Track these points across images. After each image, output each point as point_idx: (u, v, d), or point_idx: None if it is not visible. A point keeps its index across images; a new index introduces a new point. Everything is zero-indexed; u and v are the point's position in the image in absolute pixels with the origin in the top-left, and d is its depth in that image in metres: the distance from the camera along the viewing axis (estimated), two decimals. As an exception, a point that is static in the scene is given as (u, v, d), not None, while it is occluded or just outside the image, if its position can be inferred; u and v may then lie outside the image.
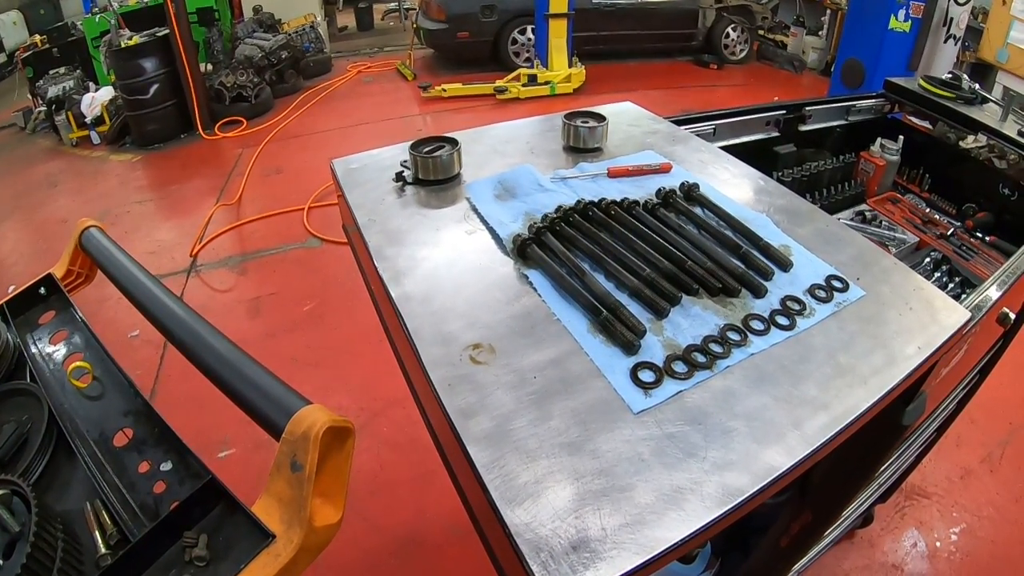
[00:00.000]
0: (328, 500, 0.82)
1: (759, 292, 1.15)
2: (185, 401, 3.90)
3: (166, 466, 0.96)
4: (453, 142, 1.54)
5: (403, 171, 1.50)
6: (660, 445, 0.89)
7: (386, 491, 3.01)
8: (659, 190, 1.37)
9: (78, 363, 1.10)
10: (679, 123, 1.96)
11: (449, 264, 1.25)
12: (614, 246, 1.20)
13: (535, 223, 1.27)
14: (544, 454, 0.88)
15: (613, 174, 1.46)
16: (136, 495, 0.93)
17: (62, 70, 8.31)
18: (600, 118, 1.64)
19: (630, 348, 1.02)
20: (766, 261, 1.21)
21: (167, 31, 7.00)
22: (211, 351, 0.98)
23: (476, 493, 0.88)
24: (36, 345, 1.20)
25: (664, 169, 1.48)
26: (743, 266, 1.19)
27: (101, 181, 7.10)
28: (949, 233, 2.17)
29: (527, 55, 8.26)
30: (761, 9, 8.97)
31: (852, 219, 2.23)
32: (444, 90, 7.82)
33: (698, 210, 1.33)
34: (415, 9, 9.09)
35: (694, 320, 1.09)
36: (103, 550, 0.86)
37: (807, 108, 2.29)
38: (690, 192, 1.37)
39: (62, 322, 1.24)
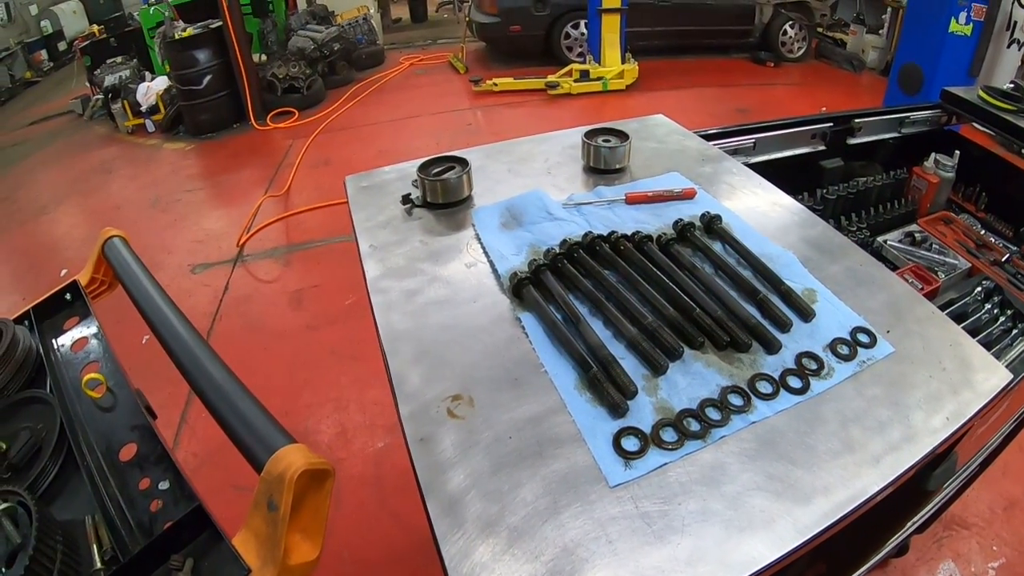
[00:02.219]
0: (306, 537, 0.82)
1: (772, 347, 1.05)
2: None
3: (164, 485, 0.96)
4: (463, 163, 1.46)
5: (411, 193, 1.43)
6: (632, 526, 0.81)
7: (415, 488, 2.97)
8: (677, 222, 1.27)
9: (93, 374, 1.11)
10: (720, 136, 1.86)
11: (443, 301, 1.18)
12: (617, 288, 1.12)
13: (536, 259, 1.19)
14: (506, 527, 0.81)
15: (631, 200, 1.37)
16: (134, 512, 0.93)
17: (119, 59, 8.48)
18: (623, 136, 1.54)
19: (617, 411, 0.94)
20: (785, 310, 1.10)
21: (220, 23, 7.06)
22: (208, 377, 0.98)
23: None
24: (59, 352, 1.22)
25: (687, 195, 1.38)
26: (758, 315, 1.09)
27: (154, 168, 7.21)
28: (1004, 260, 2.03)
29: (580, 50, 8.11)
30: (820, 6, 8.60)
31: (901, 240, 2.10)
32: (495, 84, 7.74)
33: (717, 245, 1.23)
34: (469, 1, 9.02)
35: (694, 379, 0.99)
36: (98, 565, 0.87)
37: (856, 120, 2.16)
38: (710, 224, 1.27)
39: (83, 329, 1.26)
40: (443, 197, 1.42)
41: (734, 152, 1.91)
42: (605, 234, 1.22)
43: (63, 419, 1.05)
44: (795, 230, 1.33)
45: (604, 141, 1.52)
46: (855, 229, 1.95)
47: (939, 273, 1.95)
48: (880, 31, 7.98)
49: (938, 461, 1.05)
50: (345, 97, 8.12)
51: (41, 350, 1.20)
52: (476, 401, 0.97)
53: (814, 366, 1.02)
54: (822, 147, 2.11)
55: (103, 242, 1.35)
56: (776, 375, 1.01)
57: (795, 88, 7.55)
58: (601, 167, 1.52)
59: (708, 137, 1.79)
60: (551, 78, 7.55)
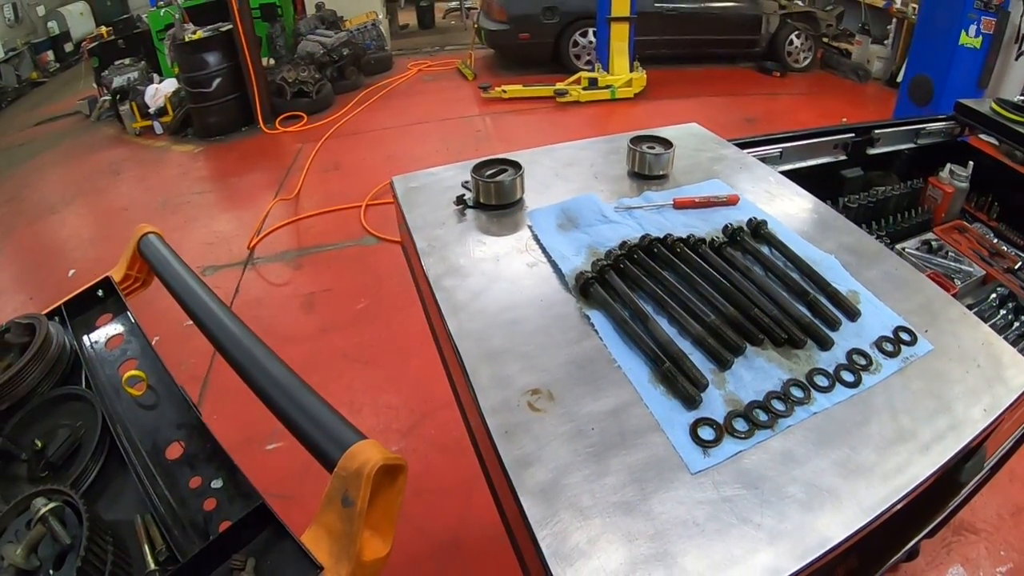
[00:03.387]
0: (377, 533, 0.82)
1: (825, 344, 1.13)
2: (236, 392, 3.97)
3: (217, 483, 0.96)
4: (516, 166, 1.54)
5: (464, 194, 1.51)
6: (715, 510, 0.88)
7: (430, 494, 3.02)
8: (727, 227, 1.35)
9: (133, 371, 1.11)
10: (746, 145, 1.93)
11: (509, 299, 1.25)
12: (679, 288, 1.19)
13: (599, 259, 1.26)
14: (598, 512, 0.87)
15: (679, 205, 1.45)
16: (186, 511, 0.93)
17: (127, 61, 8.52)
18: (667, 144, 1.62)
19: (691, 403, 1.01)
20: (834, 310, 1.18)
21: (230, 26, 7.13)
22: (266, 375, 1.00)
23: (527, 543, 0.88)
24: (92, 348, 1.22)
25: (731, 201, 1.46)
26: (810, 314, 1.17)
27: (162, 170, 7.24)
28: (1017, 267, 2.11)
29: (588, 58, 8.21)
30: (826, 16, 8.72)
31: (918, 248, 2.18)
32: (504, 91, 7.80)
33: (765, 249, 1.31)
34: (477, 8, 9.10)
35: (757, 373, 1.07)
36: (152, 566, 0.86)
37: (876, 131, 2.25)
38: (758, 229, 1.34)
39: (118, 326, 1.26)
40: (497, 199, 1.50)
41: (763, 160, 2.00)
42: (660, 236, 1.30)
43: (104, 416, 1.04)
44: (833, 235, 1.41)
45: (649, 148, 1.60)
46: (875, 237, 2.04)
47: (956, 280, 2.03)
48: (885, 41, 8.09)
49: (970, 454, 1.12)
50: (354, 102, 8.18)
51: (76, 347, 1.20)
52: (555, 395, 1.04)
53: (863, 362, 1.10)
54: (843, 157, 2.20)
55: (138, 238, 1.37)
56: (831, 370, 1.08)
57: (801, 98, 7.69)
58: (645, 173, 1.60)
59: (740, 146, 1.88)
60: (560, 86, 7.64)
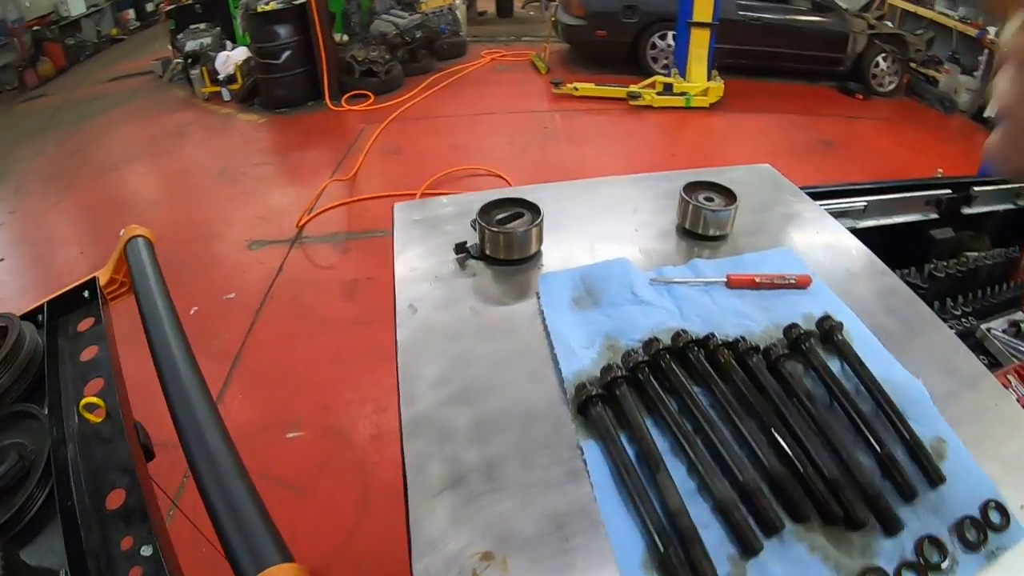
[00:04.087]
0: None
1: (892, 528, 0.77)
2: (266, 374, 3.81)
3: (147, 551, 0.81)
4: (535, 210, 1.19)
5: (467, 241, 1.19)
6: None
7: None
8: (791, 328, 0.97)
9: (92, 398, 0.96)
10: (827, 195, 1.61)
11: (488, 402, 0.92)
12: (712, 419, 0.84)
13: (613, 363, 0.91)
14: None
15: (734, 284, 1.08)
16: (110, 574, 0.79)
17: (202, 26, 8.50)
18: (729, 196, 1.24)
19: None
20: (911, 471, 0.82)
21: (303, 0, 6.97)
22: (209, 454, 0.80)
23: None
24: (66, 357, 1.09)
25: (802, 284, 1.09)
26: (879, 475, 0.82)
27: (226, 137, 7.17)
28: None
29: (665, 62, 7.78)
30: (915, 40, 7.99)
31: (1005, 330, 1.79)
32: (576, 88, 7.49)
33: (835, 364, 0.95)
34: (556, 1, 8.77)
35: (793, 568, 0.73)
36: None
37: (975, 188, 1.89)
38: (831, 334, 0.97)
39: (96, 335, 1.13)
40: (506, 252, 1.16)
41: (843, 214, 1.66)
42: (701, 336, 0.94)
43: (52, 445, 0.92)
44: (923, 342, 1.03)
45: (707, 200, 1.23)
46: (959, 314, 1.69)
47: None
48: (975, 73, 7.46)
49: None
50: (423, 86, 7.96)
51: (46, 353, 1.08)
52: (511, 567, 0.72)
53: (936, 558, 0.75)
54: (934, 215, 1.84)
55: (126, 241, 1.23)
56: (891, 568, 0.74)
57: (882, 124, 7.11)
58: (698, 232, 1.23)
59: (817, 195, 1.53)
60: (633, 88, 7.26)
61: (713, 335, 0.92)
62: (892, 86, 7.90)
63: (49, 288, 1.13)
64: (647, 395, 0.87)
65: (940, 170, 2.03)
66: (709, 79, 7.11)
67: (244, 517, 0.71)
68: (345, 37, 8.21)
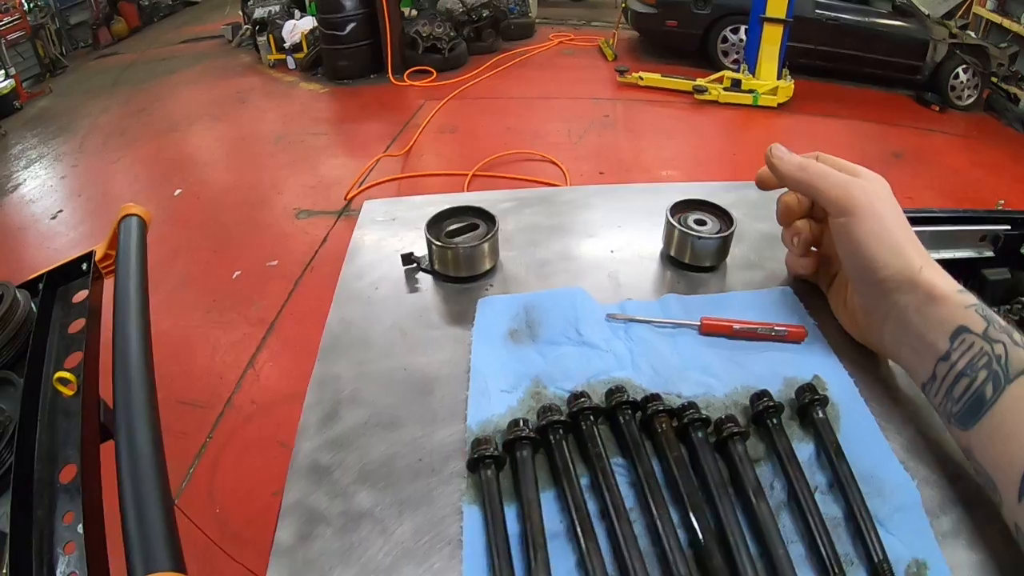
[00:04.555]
0: None
1: None
2: (299, 343, 3.79)
3: (82, 528, 0.76)
4: (490, 220, 0.99)
5: (412, 252, 1.02)
6: None
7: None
8: (757, 397, 0.73)
9: (65, 373, 0.93)
10: None
11: (380, 438, 0.74)
12: (619, 505, 0.64)
13: (520, 419, 0.71)
14: None
15: (707, 330, 0.85)
16: (45, 547, 0.75)
17: (272, -7, 8.50)
18: (727, 219, 0.99)
19: None
20: None
21: (371, -27, 6.89)
22: (135, 446, 0.75)
23: None
24: (56, 328, 1.06)
25: (793, 336, 0.84)
26: None
27: (286, 105, 7.16)
28: None
29: (736, 56, 7.45)
30: (998, 54, 7.41)
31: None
32: (641, 78, 7.24)
33: (806, 449, 0.71)
34: (629, -13, 8.49)
35: None
36: None
37: (1041, 224, 1.61)
38: (807, 409, 0.73)
39: (85, 309, 1.06)
40: (453, 268, 0.97)
41: None
42: (645, 394, 0.73)
43: (21, 414, 0.88)
44: (942, 431, 0.73)
45: (697, 223, 0.99)
46: None
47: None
48: (1060, 93, 6.94)
49: None
50: (487, 65, 7.83)
51: (36, 323, 1.04)
52: None
53: None
54: (989, 253, 1.56)
55: (120, 218, 1.14)
56: None
57: (958, 140, 6.62)
58: (684, 261, 0.99)
59: None
60: (700, 82, 6.97)
61: (656, 397, 0.71)
62: (971, 100, 7.37)
63: (98, 242, 1.13)
64: (553, 463, 0.68)
65: (1002, 201, 1.76)
66: (779, 78, 6.76)
67: (148, 517, 0.66)
68: (414, 12, 8.09)
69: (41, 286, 1.10)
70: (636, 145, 6.17)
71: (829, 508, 0.66)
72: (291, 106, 7.14)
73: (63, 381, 0.92)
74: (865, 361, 0.81)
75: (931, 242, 1.46)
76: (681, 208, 1.01)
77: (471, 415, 0.75)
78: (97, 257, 1.14)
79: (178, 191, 5.68)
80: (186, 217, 5.33)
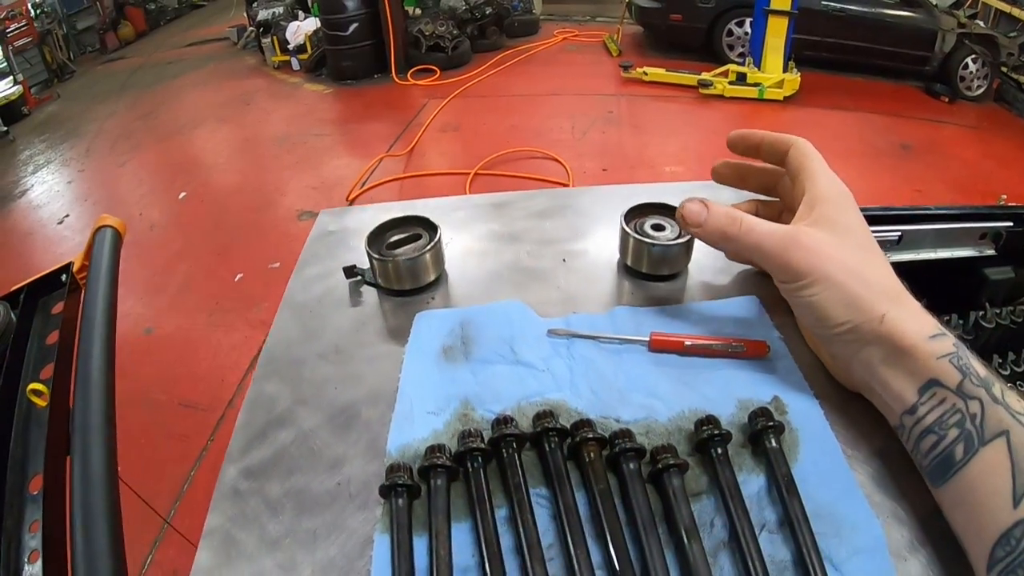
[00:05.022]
0: None
1: None
2: None
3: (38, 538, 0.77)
4: (432, 229, 0.92)
5: (355, 265, 0.96)
6: None
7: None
8: (701, 424, 0.65)
9: (37, 384, 0.93)
10: None
11: (302, 463, 0.69)
12: (533, 541, 0.58)
13: (436, 446, 0.65)
14: None
15: (656, 347, 0.77)
16: (13, 555, 0.76)
17: (276, -5, 8.51)
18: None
19: None
20: None
21: (372, -27, 6.87)
22: (85, 465, 0.72)
23: None
24: (36, 339, 1.06)
25: (753, 352, 0.76)
26: None
27: (291, 106, 7.15)
28: None
29: (742, 50, 7.32)
30: (1008, 43, 7.19)
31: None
32: (645, 73, 7.14)
33: (759, 482, 0.64)
34: (632, -20, 8.39)
35: None
36: None
37: (1047, 219, 1.51)
38: (759, 437, 0.65)
39: (60, 321, 1.07)
40: (396, 281, 0.90)
41: None
42: (572, 422, 0.66)
43: None
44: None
45: (655, 228, 0.89)
46: (1008, 373, 1.34)
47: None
48: (1072, 83, 6.75)
49: None
50: (490, 63, 7.77)
51: (14, 334, 1.05)
52: None
53: None
54: (991, 252, 1.46)
55: (96, 229, 1.13)
56: None
57: (968, 131, 6.44)
58: (642, 270, 0.91)
59: None
60: (705, 76, 6.86)
61: (587, 423, 0.64)
62: (981, 90, 7.18)
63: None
64: (470, 492, 0.61)
65: (1004, 197, 1.66)
66: (785, 71, 6.64)
67: (95, 531, 0.65)
68: (418, 11, 8.04)
69: (22, 298, 1.09)
70: (640, 141, 6.09)
71: (777, 549, 0.59)
72: (295, 107, 7.12)
73: (36, 393, 0.92)
74: (835, 380, 0.73)
75: (928, 241, 1.38)
76: (638, 213, 0.93)
77: (391, 439, 0.69)
78: (75, 268, 1.12)
79: (183, 194, 5.67)
80: (190, 220, 5.31)
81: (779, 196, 0.84)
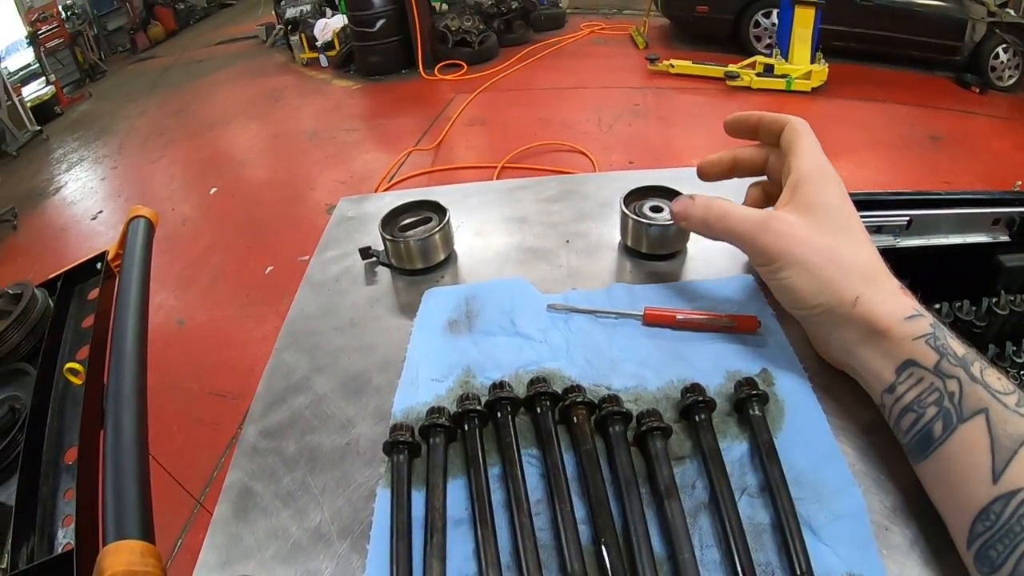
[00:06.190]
0: None
1: None
2: None
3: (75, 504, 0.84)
4: (441, 212, 0.98)
5: (370, 247, 0.99)
6: None
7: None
8: (687, 391, 0.69)
9: (74, 364, 1.00)
10: (862, 205, 1.29)
11: (317, 426, 0.75)
12: (521, 497, 0.62)
13: (437, 407, 0.69)
14: None
15: (650, 320, 0.81)
16: (47, 521, 0.82)
17: (304, -7, 8.61)
18: None
19: None
20: None
21: (399, -30, 6.93)
22: (116, 420, 0.79)
23: None
24: (72, 323, 1.14)
25: (744, 327, 0.78)
26: None
27: (320, 102, 7.23)
28: None
29: (769, 41, 7.25)
30: None
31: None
32: (672, 65, 7.10)
33: (741, 448, 0.67)
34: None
35: None
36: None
37: (1059, 204, 1.49)
38: (743, 405, 0.68)
39: (96, 306, 1.15)
40: (408, 261, 0.96)
41: (878, 229, 1.33)
42: (562, 389, 0.70)
43: (33, 401, 0.95)
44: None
45: (653, 210, 0.94)
46: (1023, 360, 1.32)
47: None
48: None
49: None
50: (517, 57, 7.79)
51: (52, 318, 1.13)
52: None
53: None
54: (1005, 238, 1.44)
55: (129, 219, 1.20)
56: None
57: (1000, 123, 6.31)
58: (642, 250, 0.95)
59: None
60: (732, 68, 6.82)
61: (578, 388, 0.69)
62: (1012, 80, 6.97)
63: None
64: (465, 450, 0.66)
65: (1020, 182, 1.64)
66: (813, 62, 6.57)
67: (125, 490, 0.70)
68: (444, 6, 8.09)
69: (59, 284, 1.17)
70: (667, 133, 6.08)
71: (757, 513, 0.62)
72: (324, 103, 7.20)
73: (73, 371, 0.98)
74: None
75: (940, 226, 1.36)
76: (637, 196, 0.97)
77: (397, 402, 0.75)
78: (109, 257, 1.19)
79: (214, 189, 5.77)
80: (222, 214, 5.41)
81: (770, 176, 0.85)
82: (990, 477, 0.52)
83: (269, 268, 4.66)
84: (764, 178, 0.87)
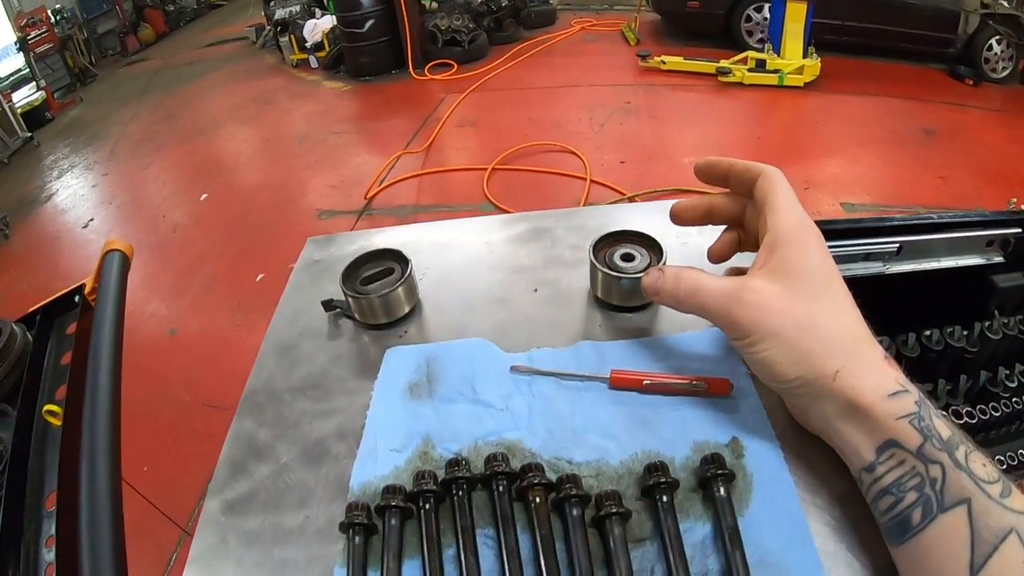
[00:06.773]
0: None
1: None
2: None
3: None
4: (403, 263, 0.94)
5: (332, 299, 0.97)
6: None
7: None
8: (649, 471, 0.67)
9: (52, 405, 0.98)
10: (850, 234, 1.27)
11: (274, 501, 0.73)
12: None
13: (391, 486, 0.67)
14: None
15: (616, 384, 0.78)
16: (31, 569, 0.81)
17: (293, -6, 8.58)
18: (656, 251, 0.90)
19: None
20: None
21: (387, -31, 6.89)
22: (91, 467, 0.77)
23: None
24: (51, 359, 1.11)
25: (715, 390, 0.76)
26: None
27: (310, 104, 7.20)
28: None
29: (761, 36, 7.20)
30: None
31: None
32: (663, 62, 7.07)
33: (705, 529, 0.64)
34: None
35: None
36: None
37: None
38: (708, 483, 0.66)
39: (72, 342, 1.11)
40: (371, 316, 0.93)
41: (866, 257, 1.30)
42: (524, 463, 0.68)
43: (14, 444, 0.93)
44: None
45: (623, 260, 0.89)
46: (1016, 386, 1.29)
47: None
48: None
49: None
50: (508, 55, 7.76)
51: (31, 356, 1.10)
52: None
53: None
54: (999, 258, 1.40)
55: (104, 253, 1.16)
56: None
57: (993, 115, 6.26)
58: (612, 302, 0.91)
59: (831, 234, 1.19)
60: (723, 63, 6.78)
61: (536, 467, 0.67)
62: (1006, 72, 6.93)
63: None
64: (423, 531, 0.64)
65: (1014, 200, 1.61)
66: (805, 56, 6.54)
67: (100, 541, 0.69)
68: (434, 5, 8.05)
69: (38, 319, 1.13)
70: (658, 131, 6.06)
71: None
72: (314, 105, 7.18)
73: (51, 413, 0.96)
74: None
75: (932, 250, 1.33)
76: (608, 242, 0.94)
77: (355, 476, 0.73)
78: (87, 290, 1.15)
79: (204, 195, 5.75)
80: (212, 221, 5.39)
81: (745, 227, 0.80)
82: (968, 570, 0.50)
83: (260, 276, 4.64)
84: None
